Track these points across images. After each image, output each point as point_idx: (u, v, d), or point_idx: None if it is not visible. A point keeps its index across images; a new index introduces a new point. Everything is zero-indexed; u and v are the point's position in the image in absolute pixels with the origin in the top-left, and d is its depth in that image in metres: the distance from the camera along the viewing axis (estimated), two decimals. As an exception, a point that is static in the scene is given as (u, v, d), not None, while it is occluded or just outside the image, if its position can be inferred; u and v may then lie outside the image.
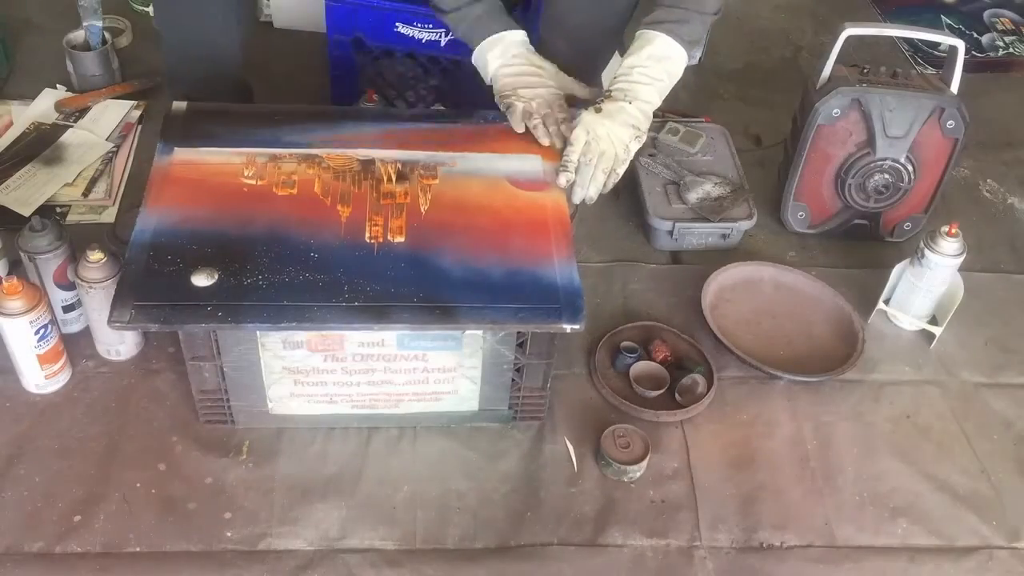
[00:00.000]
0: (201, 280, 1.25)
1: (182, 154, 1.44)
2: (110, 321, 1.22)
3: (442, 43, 1.82)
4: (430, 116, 1.61)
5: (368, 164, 1.45)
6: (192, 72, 1.72)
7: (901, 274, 1.68)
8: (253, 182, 1.40)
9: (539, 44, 1.66)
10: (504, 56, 1.52)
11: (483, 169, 1.46)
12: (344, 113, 1.56)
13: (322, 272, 1.29)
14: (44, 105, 2.02)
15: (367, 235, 1.35)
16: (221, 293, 1.25)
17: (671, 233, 1.80)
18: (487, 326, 1.29)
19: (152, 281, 1.25)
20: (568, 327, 1.27)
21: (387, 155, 1.47)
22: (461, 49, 1.73)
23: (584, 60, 1.63)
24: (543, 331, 1.32)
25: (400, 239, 1.34)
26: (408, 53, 1.89)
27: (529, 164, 1.49)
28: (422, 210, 1.39)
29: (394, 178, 1.43)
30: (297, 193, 1.40)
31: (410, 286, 1.28)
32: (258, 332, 1.30)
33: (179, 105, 1.54)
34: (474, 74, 1.88)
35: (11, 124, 1.96)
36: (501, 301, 1.28)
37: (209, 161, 1.43)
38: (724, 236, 1.82)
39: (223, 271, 1.27)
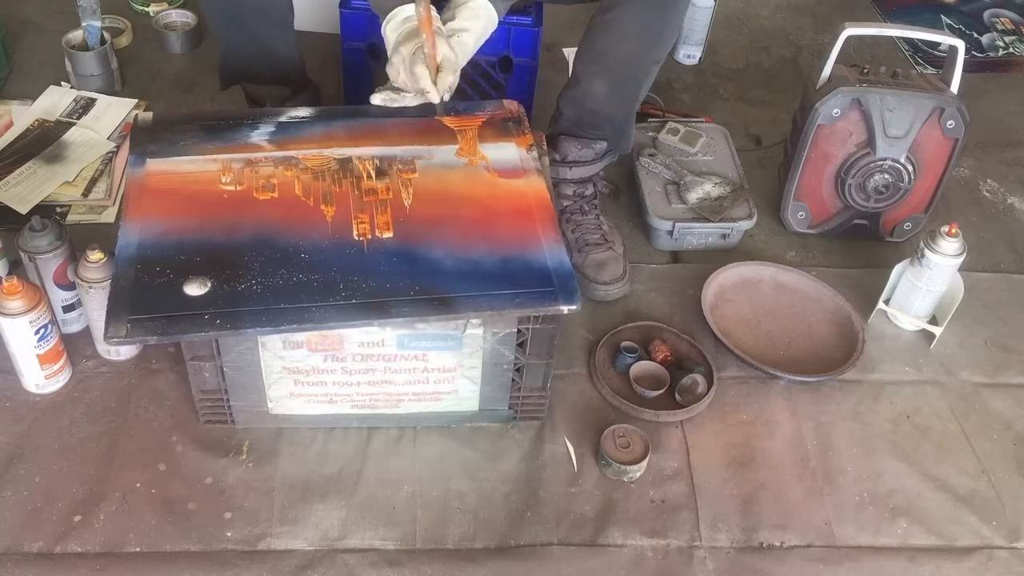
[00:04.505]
0: (194, 289, 1.25)
1: (155, 164, 1.43)
2: (106, 337, 1.21)
3: None
4: (399, 111, 1.60)
5: (345, 162, 1.45)
6: (248, 57, 1.71)
7: (901, 274, 1.68)
8: (232, 188, 1.40)
9: (572, 82, 1.66)
10: (399, 28, 1.48)
11: (460, 160, 1.47)
12: (312, 113, 1.56)
13: (315, 272, 1.29)
14: (48, 102, 2.02)
15: (355, 233, 1.35)
16: (217, 300, 1.24)
17: (671, 233, 1.80)
18: (486, 313, 1.29)
19: (144, 294, 1.25)
20: (565, 308, 1.27)
21: (363, 152, 1.47)
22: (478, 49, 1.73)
23: (624, 96, 1.61)
24: (541, 314, 1.32)
25: (388, 234, 1.35)
26: None
27: (505, 152, 1.49)
28: (406, 204, 1.39)
29: (373, 175, 1.43)
30: (279, 196, 1.39)
31: (405, 280, 1.28)
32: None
33: (145, 116, 1.53)
34: (489, 73, 1.89)
35: (11, 124, 1.96)
36: (497, 288, 1.28)
37: (184, 170, 1.42)
38: (724, 236, 1.82)
39: (215, 279, 1.26)
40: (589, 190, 1.75)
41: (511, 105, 1.58)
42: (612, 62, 1.61)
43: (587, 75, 1.64)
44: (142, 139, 1.48)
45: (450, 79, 1.41)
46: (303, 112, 1.55)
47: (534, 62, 1.91)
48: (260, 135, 1.49)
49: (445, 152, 1.48)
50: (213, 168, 1.43)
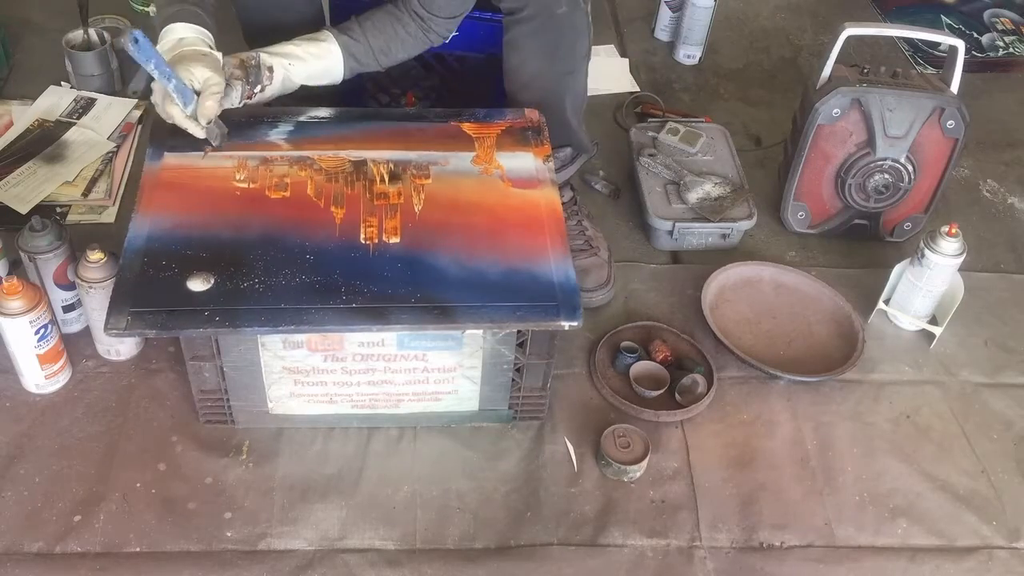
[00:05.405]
0: (197, 285, 1.25)
1: (172, 158, 1.43)
2: (107, 328, 1.21)
3: (447, 39, 1.82)
4: (420, 115, 1.61)
5: (360, 165, 1.45)
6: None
7: (901, 274, 1.68)
8: (245, 185, 1.40)
9: (508, 101, 1.67)
10: (170, 54, 1.42)
11: (475, 168, 1.47)
12: (333, 114, 1.56)
13: (318, 274, 1.29)
14: (48, 102, 2.02)
15: (362, 236, 1.35)
16: (218, 297, 1.25)
17: (671, 233, 1.80)
18: (486, 325, 1.29)
19: (148, 287, 1.25)
20: (566, 324, 1.27)
21: (379, 155, 1.47)
22: (466, 46, 1.72)
23: (551, 109, 1.62)
24: (541, 329, 1.32)
25: (395, 240, 1.34)
26: None
27: (521, 162, 1.49)
28: (416, 210, 1.39)
29: (387, 178, 1.43)
30: (290, 196, 1.39)
31: (407, 287, 1.28)
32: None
33: None
34: (478, 71, 1.89)
35: (11, 124, 1.96)
36: (499, 300, 1.28)
37: (200, 165, 1.43)
38: (724, 236, 1.82)
39: (219, 275, 1.27)
40: (566, 196, 1.74)
41: (532, 114, 1.58)
42: (526, 80, 1.64)
43: (512, 93, 1.67)
44: (162, 132, 1.48)
45: (209, 104, 1.36)
46: (323, 112, 1.56)
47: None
48: (278, 134, 1.50)
49: (461, 159, 1.48)
50: (229, 165, 1.43)
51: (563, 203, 1.72)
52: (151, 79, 1.35)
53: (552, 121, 1.59)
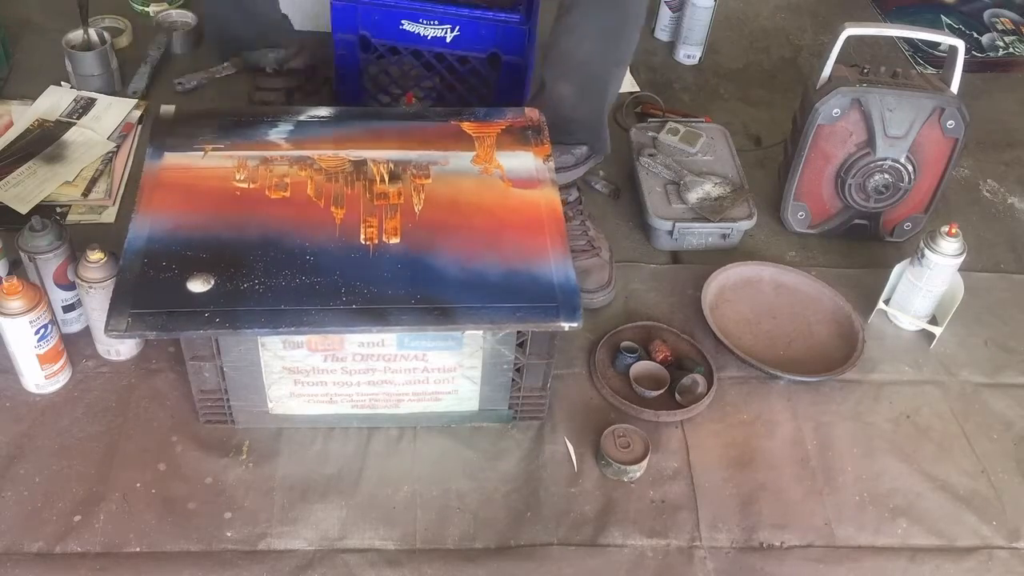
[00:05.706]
0: (197, 286, 1.25)
1: (172, 158, 1.43)
2: (107, 330, 1.21)
3: (448, 39, 1.82)
4: (420, 115, 1.61)
5: (360, 164, 1.45)
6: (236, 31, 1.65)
7: (901, 274, 1.68)
8: (245, 185, 1.40)
9: (539, 88, 1.64)
10: None
11: (475, 167, 1.47)
12: (333, 113, 1.56)
13: (318, 275, 1.29)
14: (48, 102, 2.02)
15: (362, 237, 1.35)
16: (218, 299, 1.25)
17: (671, 233, 1.80)
18: (485, 326, 1.29)
19: (148, 288, 1.25)
20: (566, 325, 1.27)
21: (379, 155, 1.47)
22: (467, 45, 1.72)
23: (591, 99, 1.60)
24: (541, 330, 1.32)
25: (395, 240, 1.34)
26: (413, 50, 1.90)
27: (521, 161, 1.48)
28: (416, 210, 1.39)
29: (387, 178, 1.43)
30: (290, 196, 1.39)
31: (407, 287, 1.28)
32: (257, 333, 1.31)
33: (167, 108, 1.54)
34: (478, 71, 1.89)
35: (11, 124, 1.96)
36: (499, 301, 1.28)
37: (200, 165, 1.43)
38: (724, 236, 1.82)
39: (219, 276, 1.27)
40: (572, 195, 1.74)
41: (532, 113, 1.58)
42: (575, 65, 1.61)
43: (551, 79, 1.63)
44: (162, 132, 1.48)
45: None
46: (323, 112, 1.56)
47: (524, 60, 1.90)
48: (278, 133, 1.50)
49: (461, 159, 1.48)
50: (229, 164, 1.43)
51: (569, 203, 1.72)
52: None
53: (585, 112, 1.55)
